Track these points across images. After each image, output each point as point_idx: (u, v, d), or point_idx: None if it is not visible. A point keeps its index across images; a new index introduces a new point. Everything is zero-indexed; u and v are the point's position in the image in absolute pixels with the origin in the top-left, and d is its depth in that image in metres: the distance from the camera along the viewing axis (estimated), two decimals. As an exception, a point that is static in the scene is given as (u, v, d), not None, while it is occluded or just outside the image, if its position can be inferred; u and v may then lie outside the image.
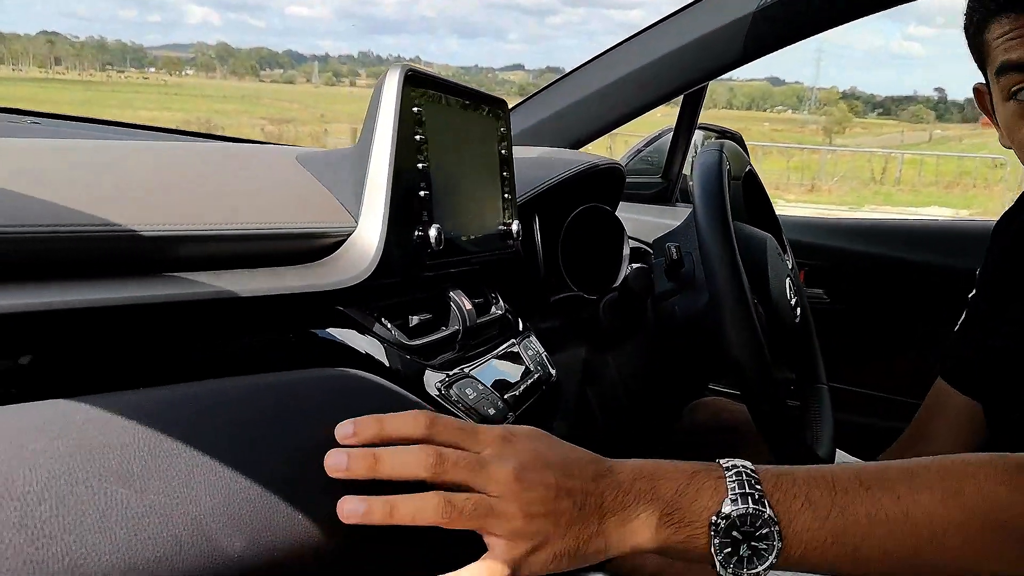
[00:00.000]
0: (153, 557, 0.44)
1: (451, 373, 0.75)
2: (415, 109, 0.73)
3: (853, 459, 1.22)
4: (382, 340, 0.70)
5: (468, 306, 0.83)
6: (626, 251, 1.21)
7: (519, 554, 0.55)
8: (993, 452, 0.63)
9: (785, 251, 1.25)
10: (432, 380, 0.73)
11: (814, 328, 1.26)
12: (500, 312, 0.92)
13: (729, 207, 0.99)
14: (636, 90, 1.46)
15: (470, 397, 0.74)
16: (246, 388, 0.55)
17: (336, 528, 0.52)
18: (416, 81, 0.74)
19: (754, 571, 0.58)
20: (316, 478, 0.53)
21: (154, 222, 0.55)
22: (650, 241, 1.30)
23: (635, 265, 1.16)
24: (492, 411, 0.75)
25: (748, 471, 0.59)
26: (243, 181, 0.70)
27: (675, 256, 1.12)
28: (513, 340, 0.92)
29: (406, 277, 0.74)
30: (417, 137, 0.73)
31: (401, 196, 0.71)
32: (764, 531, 0.58)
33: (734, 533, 0.57)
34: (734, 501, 0.58)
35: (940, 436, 1.10)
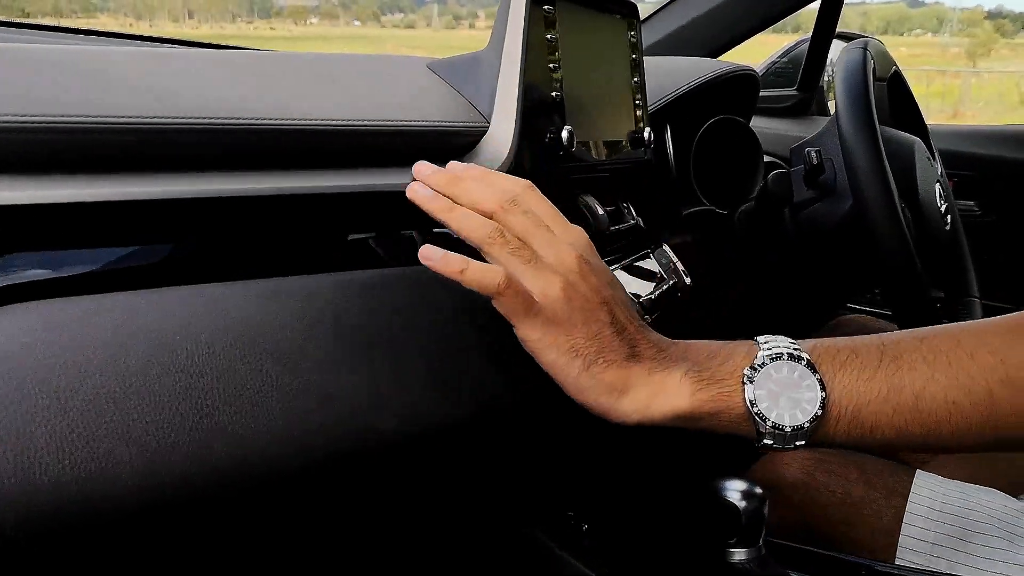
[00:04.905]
0: (307, 431, 0.46)
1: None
2: (546, 7, 0.72)
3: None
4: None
5: (601, 211, 0.81)
6: (760, 165, 1.17)
7: (532, 313, 0.49)
8: None
9: (934, 156, 1.18)
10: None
11: (965, 240, 1.20)
12: (633, 221, 0.90)
13: (875, 108, 0.94)
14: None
15: (606, 298, 0.73)
16: (390, 277, 0.56)
17: (480, 410, 0.53)
18: (547, -20, 0.72)
19: (798, 425, 0.51)
20: (460, 365, 0.54)
21: (302, 116, 0.56)
22: (785, 154, 1.25)
23: (776, 171, 1.12)
24: (629, 313, 0.74)
25: (785, 339, 0.54)
26: (378, 83, 0.71)
27: (815, 162, 1.08)
28: (647, 251, 0.90)
29: (538, 177, 0.73)
30: (548, 37, 0.72)
31: (533, 96, 0.70)
32: (806, 381, 0.51)
33: (770, 385, 0.51)
34: (768, 352, 0.52)
35: None
